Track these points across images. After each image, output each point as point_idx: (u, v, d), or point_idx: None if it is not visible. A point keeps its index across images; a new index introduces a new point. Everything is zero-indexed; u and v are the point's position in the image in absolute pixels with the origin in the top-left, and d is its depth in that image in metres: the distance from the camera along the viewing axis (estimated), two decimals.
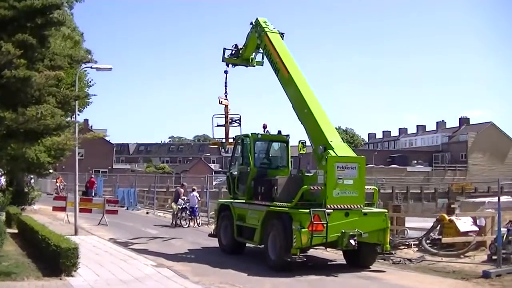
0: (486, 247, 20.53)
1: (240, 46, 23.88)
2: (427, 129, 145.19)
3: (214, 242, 22.51)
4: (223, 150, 25.40)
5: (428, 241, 22.22)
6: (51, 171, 41.46)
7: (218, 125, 24.33)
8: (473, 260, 19.73)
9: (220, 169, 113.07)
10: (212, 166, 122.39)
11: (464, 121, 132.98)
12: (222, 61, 24.34)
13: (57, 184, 57.60)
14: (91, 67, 25.95)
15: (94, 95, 42.74)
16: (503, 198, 21.80)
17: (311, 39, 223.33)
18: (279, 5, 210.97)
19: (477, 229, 21.83)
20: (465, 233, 21.47)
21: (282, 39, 21.93)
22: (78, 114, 28.90)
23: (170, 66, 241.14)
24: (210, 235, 23.40)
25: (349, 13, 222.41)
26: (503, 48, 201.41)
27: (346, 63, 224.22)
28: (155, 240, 25.34)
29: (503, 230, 18.77)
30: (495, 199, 18.97)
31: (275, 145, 21.97)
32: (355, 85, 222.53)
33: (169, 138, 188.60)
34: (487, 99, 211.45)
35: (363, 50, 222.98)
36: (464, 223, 21.97)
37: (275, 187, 18.81)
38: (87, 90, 38.06)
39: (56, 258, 14.92)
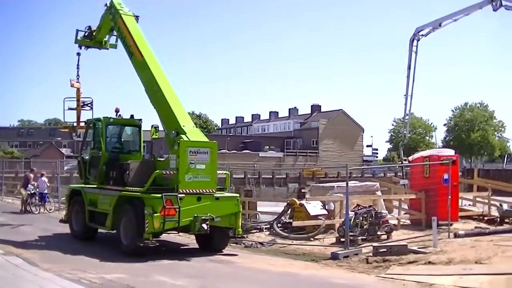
0: (335, 230, 21.20)
1: (93, 28, 23.43)
2: (279, 116, 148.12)
3: (65, 229, 22.00)
4: (74, 134, 24.86)
5: (279, 225, 22.69)
6: None
7: (69, 108, 23.75)
8: (323, 242, 20.32)
9: (71, 153, 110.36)
10: (64, 150, 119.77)
11: (315, 108, 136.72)
12: (75, 43, 23.85)
13: None
14: None
15: None
16: (351, 183, 22.54)
17: (164, 22, 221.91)
18: None
19: (326, 212, 22.51)
20: (315, 217, 22.07)
21: (137, 22, 21.66)
22: None
23: (19, 45, 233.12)
24: (61, 221, 22.84)
25: None
26: (353, 41, 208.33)
27: (201, 48, 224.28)
28: (3, 228, 24.39)
29: (351, 213, 19.45)
30: (344, 184, 19.57)
31: (128, 130, 21.68)
32: (210, 70, 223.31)
33: (19, 121, 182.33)
34: (338, 88, 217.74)
35: (216, 36, 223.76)
36: (314, 207, 22.58)
37: (127, 172, 18.56)
38: None
39: None
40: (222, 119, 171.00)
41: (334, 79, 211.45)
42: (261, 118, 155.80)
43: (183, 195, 16.90)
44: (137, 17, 21.78)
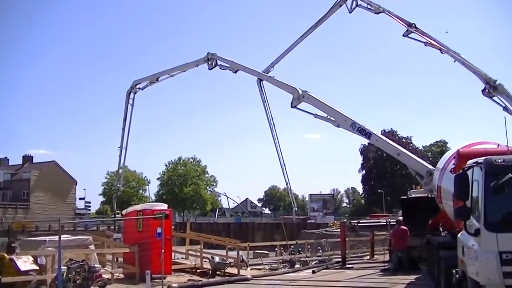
0: (47, 286, 20.76)
1: None
2: None
3: None
4: None
5: None
6: None
7: None
8: None
9: None
10: None
11: (27, 159, 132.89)
12: None
13: None
14: None
15: None
16: (64, 237, 22.23)
17: None
18: None
19: (37, 268, 21.94)
20: (26, 272, 21.42)
21: None
22: None
23: None
24: None
25: None
26: (61, 91, 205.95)
27: None
28: None
29: (63, 268, 19.19)
30: (56, 237, 19.31)
31: None
32: None
33: None
34: (51, 138, 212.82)
35: None
36: (24, 262, 21.88)
37: None
38: None
39: None
40: None
41: (48, 129, 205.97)
42: None
43: None
44: None
